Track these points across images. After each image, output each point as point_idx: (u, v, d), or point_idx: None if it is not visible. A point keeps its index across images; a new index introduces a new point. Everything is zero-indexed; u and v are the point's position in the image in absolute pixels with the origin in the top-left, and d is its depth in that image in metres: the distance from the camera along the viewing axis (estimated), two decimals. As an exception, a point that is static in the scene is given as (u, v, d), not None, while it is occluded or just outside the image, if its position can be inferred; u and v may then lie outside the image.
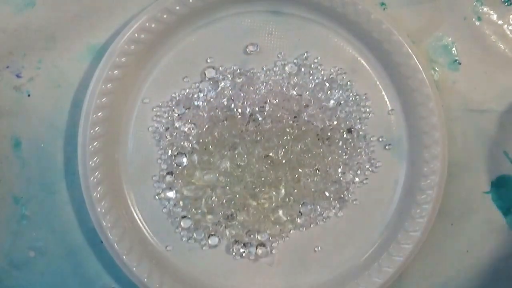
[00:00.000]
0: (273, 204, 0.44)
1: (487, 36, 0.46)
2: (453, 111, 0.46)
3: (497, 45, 0.46)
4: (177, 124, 0.45)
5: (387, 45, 0.44)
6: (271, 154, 0.44)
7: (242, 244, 0.44)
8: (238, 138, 0.44)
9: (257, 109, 0.44)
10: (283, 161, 0.44)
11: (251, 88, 0.45)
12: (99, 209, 0.42)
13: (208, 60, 0.46)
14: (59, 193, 0.45)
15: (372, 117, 0.46)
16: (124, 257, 0.42)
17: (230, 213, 0.44)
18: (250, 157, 0.44)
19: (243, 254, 0.44)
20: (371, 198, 0.45)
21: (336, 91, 0.46)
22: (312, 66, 0.46)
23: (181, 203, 0.44)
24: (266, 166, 0.44)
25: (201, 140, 0.44)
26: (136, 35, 0.43)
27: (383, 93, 0.46)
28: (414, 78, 0.44)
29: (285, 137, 0.44)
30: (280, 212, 0.44)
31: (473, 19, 0.46)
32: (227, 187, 0.44)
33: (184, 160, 0.44)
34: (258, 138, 0.44)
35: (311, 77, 0.46)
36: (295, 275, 0.45)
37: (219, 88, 0.45)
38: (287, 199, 0.44)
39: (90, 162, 0.42)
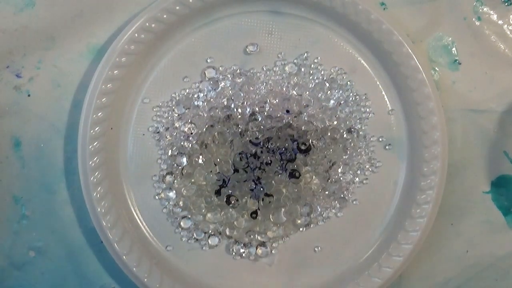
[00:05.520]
0: (273, 204, 0.44)
1: (487, 36, 0.46)
2: (453, 111, 0.46)
3: (497, 45, 0.46)
4: (177, 124, 0.45)
5: (387, 45, 0.44)
6: (271, 153, 0.44)
7: (242, 244, 0.44)
8: (238, 138, 0.44)
9: (257, 109, 0.44)
10: (283, 161, 0.44)
11: (251, 88, 0.45)
12: (99, 209, 0.42)
13: (208, 60, 0.45)
14: (59, 193, 0.45)
15: (372, 117, 0.46)
16: (124, 257, 0.42)
17: (230, 213, 0.44)
18: (250, 158, 0.44)
19: (243, 254, 0.44)
20: (371, 198, 0.45)
21: (336, 91, 0.45)
22: (312, 66, 0.46)
23: (181, 203, 0.44)
24: (266, 166, 0.44)
25: (201, 140, 0.44)
26: (136, 35, 0.43)
27: (383, 93, 0.46)
28: (414, 78, 0.44)
29: (285, 137, 0.44)
30: (280, 212, 0.44)
31: (473, 19, 0.46)
32: (227, 187, 0.44)
33: (184, 160, 0.44)
34: (258, 137, 0.44)
35: (311, 77, 0.46)
36: (295, 275, 0.45)
37: (219, 88, 0.45)
38: (287, 199, 0.44)
39: (90, 162, 0.42)
